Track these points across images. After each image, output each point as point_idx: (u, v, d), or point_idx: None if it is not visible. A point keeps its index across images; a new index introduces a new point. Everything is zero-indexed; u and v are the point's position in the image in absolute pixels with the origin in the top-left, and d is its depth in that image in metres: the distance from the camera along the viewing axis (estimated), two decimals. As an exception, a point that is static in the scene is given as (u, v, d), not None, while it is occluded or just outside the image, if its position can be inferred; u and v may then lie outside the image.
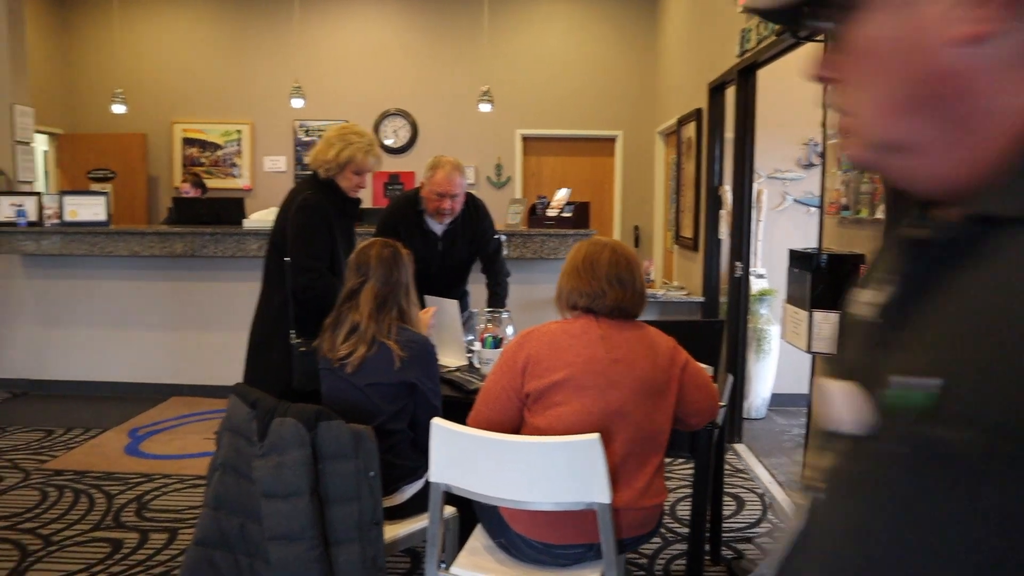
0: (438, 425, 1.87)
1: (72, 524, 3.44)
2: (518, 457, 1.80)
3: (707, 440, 2.35)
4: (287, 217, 3.03)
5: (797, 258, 3.01)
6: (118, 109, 6.74)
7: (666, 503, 2.11)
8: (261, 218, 5.42)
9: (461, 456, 1.87)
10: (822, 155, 5.17)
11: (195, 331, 5.52)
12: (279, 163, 7.83)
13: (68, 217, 5.42)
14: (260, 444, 1.98)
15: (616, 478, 1.82)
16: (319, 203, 2.99)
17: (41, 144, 7.50)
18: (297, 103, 6.98)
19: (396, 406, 2.32)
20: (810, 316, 2.83)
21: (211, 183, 7.85)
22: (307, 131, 7.76)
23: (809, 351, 2.89)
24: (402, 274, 2.39)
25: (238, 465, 2.07)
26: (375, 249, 2.40)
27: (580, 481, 1.80)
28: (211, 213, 5.69)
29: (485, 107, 6.84)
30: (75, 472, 4.07)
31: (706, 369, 2.35)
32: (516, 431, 1.96)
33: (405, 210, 3.49)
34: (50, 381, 5.65)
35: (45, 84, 7.36)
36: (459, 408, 2.46)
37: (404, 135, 7.91)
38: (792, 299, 3.04)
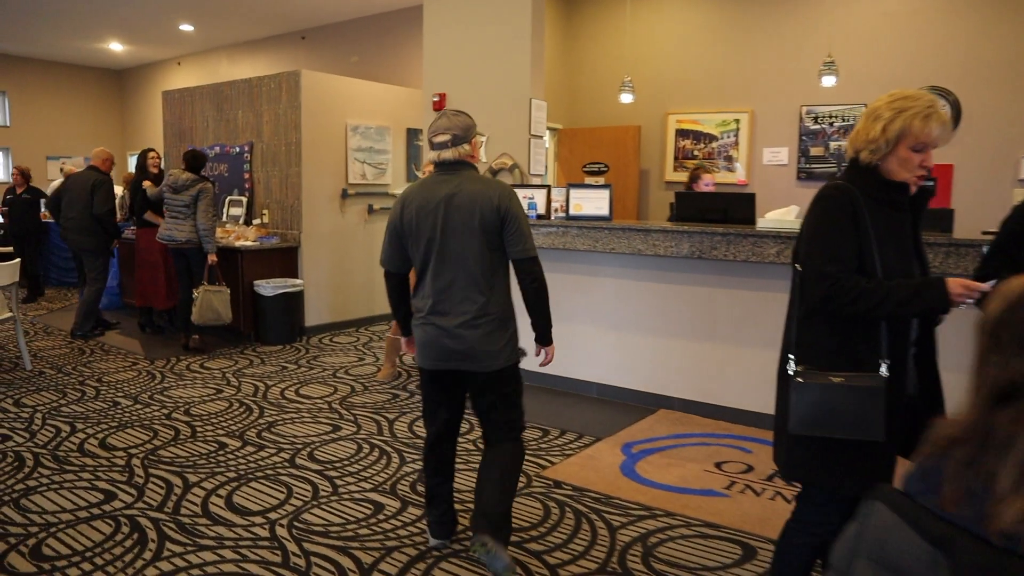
0: None
1: (577, 558, 3.05)
2: None
3: None
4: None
5: None
6: (625, 98, 6.56)
7: None
8: (779, 217, 4.64)
9: None
10: None
11: (690, 340, 4.98)
12: (780, 155, 6.96)
13: (573, 211, 5.28)
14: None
15: None
16: (842, 191, 2.11)
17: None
18: (828, 80, 6.01)
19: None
20: None
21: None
22: (815, 118, 6.75)
23: None
24: None
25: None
26: None
27: None
28: (717, 210, 5.09)
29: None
30: (574, 488, 3.75)
31: None
32: None
33: None
34: (541, 373, 5.63)
35: (550, 81, 7.58)
36: None
37: (939, 119, 6.42)
38: None
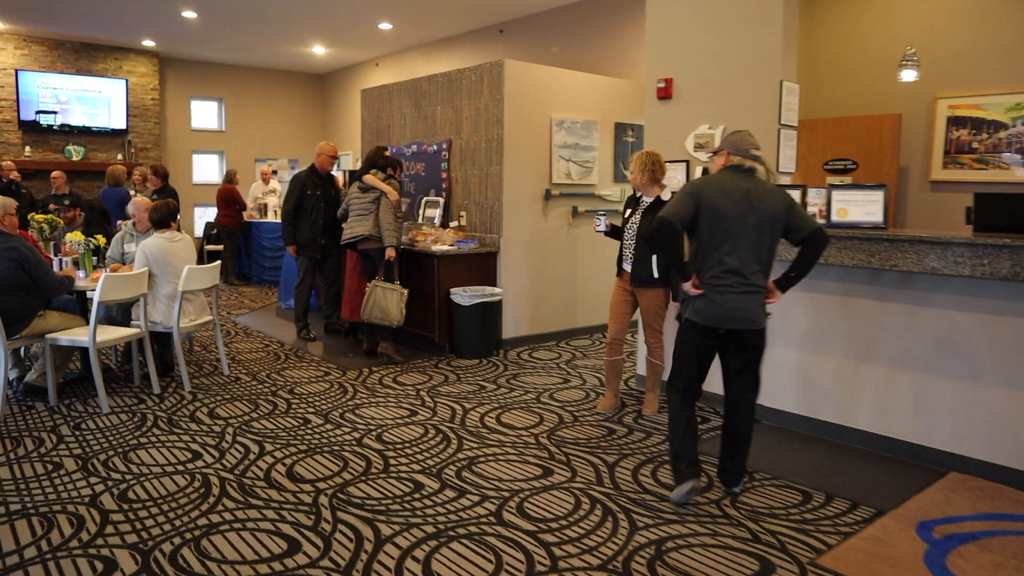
0: None
1: None
2: None
3: None
4: None
5: None
6: (907, 76, 5.38)
7: None
8: None
9: None
10: None
11: (998, 387, 3.80)
12: (1098, 146, 5.46)
13: (836, 217, 4.26)
14: None
15: None
16: None
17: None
18: None
19: None
20: None
21: (979, 176, 5.97)
22: None
23: None
24: None
25: None
26: None
27: None
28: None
29: None
30: (870, 590, 2.77)
31: None
32: None
33: None
34: (789, 414, 4.64)
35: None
36: None
37: None
38: None
